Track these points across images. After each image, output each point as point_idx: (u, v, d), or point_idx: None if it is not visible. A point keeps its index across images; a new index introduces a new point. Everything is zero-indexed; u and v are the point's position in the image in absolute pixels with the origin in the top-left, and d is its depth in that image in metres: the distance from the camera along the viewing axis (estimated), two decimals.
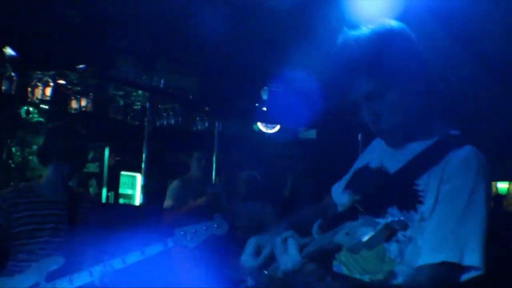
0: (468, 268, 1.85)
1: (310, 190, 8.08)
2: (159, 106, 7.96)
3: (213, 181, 7.51)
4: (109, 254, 4.05)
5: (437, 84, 2.20)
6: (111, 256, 3.98)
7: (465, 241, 1.85)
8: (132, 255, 3.77)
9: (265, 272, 2.15)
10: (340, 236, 1.66)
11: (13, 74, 6.37)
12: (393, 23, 2.06)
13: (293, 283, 1.94)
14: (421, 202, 1.94)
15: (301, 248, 1.80)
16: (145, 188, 7.56)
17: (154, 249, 3.79)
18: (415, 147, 2.07)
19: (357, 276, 2.03)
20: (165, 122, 7.97)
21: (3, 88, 6.40)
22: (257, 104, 8.18)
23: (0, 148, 8.66)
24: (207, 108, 8.04)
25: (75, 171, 4.21)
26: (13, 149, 8.84)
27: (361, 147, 8.02)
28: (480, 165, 1.96)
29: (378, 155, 2.21)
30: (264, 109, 8.20)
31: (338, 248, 1.71)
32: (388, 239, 1.60)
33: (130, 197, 10.47)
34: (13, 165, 8.84)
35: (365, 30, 2.03)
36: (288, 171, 8.72)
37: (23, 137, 9.03)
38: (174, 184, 6.27)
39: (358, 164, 2.34)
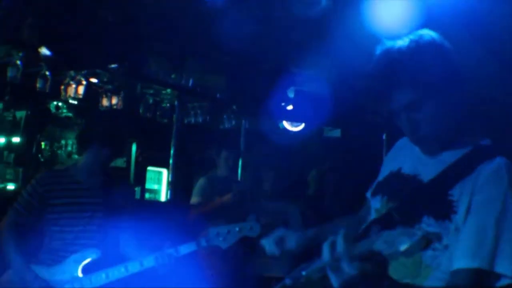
0: (499, 276, 1.92)
1: (335, 188, 8.14)
2: (188, 104, 8.09)
3: (239, 179, 7.57)
4: (141, 249, 4.13)
5: (471, 93, 2.24)
6: (143, 251, 4.06)
7: (496, 249, 1.92)
8: (166, 254, 3.84)
9: (303, 273, 2.19)
10: (379, 244, 1.75)
11: (47, 73, 6.48)
12: (432, 34, 2.14)
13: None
14: (455, 212, 2.02)
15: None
16: (172, 184, 7.71)
17: (187, 248, 3.86)
18: (449, 157, 2.14)
19: (397, 277, 2.12)
20: (192, 120, 8.11)
21: (37, 86, 6.50)
22: (283, 103, 8.24)
23: (30, 143, 8.81)
24: (234, 107, 8.15)
25: (114, 157, 4.26)
26: (43, 143, 8.98)
27: (385, 147, 8.09)
28: (511, 175, 2.03)
29: (411, 162, 2.28)
30: (290, 107, 8.27)
31: (378, 255, 1.78)
32: (424, 249, 1.72)
33: (156, 192, 10.59)
34: (42, 160, 8.97)
35: (406, 41, 2.10)
36: (312, 169, 8.77)
37: (52, 132, 9.17)
38: (201, 181, 6.28)
39: (389, 167, 2.40)
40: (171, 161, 7.79)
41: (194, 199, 6.18)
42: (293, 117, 8.70)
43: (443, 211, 2.04)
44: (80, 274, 3.86)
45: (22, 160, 8.60)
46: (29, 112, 8.64)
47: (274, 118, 8.71)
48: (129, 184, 4.66)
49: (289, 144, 8.93)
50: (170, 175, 7.82)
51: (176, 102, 7.86)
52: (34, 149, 8.84)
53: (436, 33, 2.16)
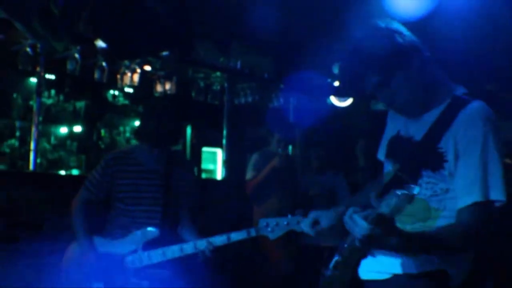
0: (493, 202, 2.26)
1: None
2: (237, 85, 8.25)
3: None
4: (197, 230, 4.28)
5: (433, 56, 2.48)
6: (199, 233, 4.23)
7: (486, 182, 2.25)
8: (219, 239, 3.98)
9: (345, 245, 2.49)
10: (383, 207, 2.02)
11: (104, 64, 6.73)
12: (378, 21, 2.43)
13: (370, 246, 2.34)
14: (446, 161, 2.32)
15: (366, 218, 2.05)
16: (227, 162, 7.98)
17: (238, 236, 3.97)
18: (432, 115, 2.43)
19: (408, 227, 2.38)
20: (242, 100, 8.24)
21: (95, 77, 6.75)
22: (329, 79, 8.39)
23: (90, 132, 9.16)
24: (281, 85, 8.25)
25: (170, 147, 4.36)
26: (102, 131, 9.33)
27: None
28: (485, 115, 2.31)
29: (404, 125, 2.56)
30: (337, 83, 8.40)
31: (386, 215, 2.03)
32: (409, 203, 1.99)
33: (211, 172, 10.81)
34: (103, 146, 9.32)
35: (359, 34, 2.43)
36: (360, 142, 8.86)
37: (110, 120, 9.49)
38: (254, 157, 6.39)
39: (390, 132, 2.69)
40: (224, 141, 8.02)
41: (249, 174, 6.30)
42: (340, 92, 8.80)
43: (437, 163, 2.34)
44: (140, 250, 4.03)
45: (84, 147, 8.94)
46: (88, 102, 8.99)
47: (321, 94, 8.82)
48: (190, 165, 4.78)
49: (337, 119, 9.06)
50: (224, 155, 8.09)
51: (225, 84, 8.09)
52: (94, 137, 9.17)
53: (385, 18, 2.45)
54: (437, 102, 2.43)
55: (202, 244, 4.01)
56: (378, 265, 2.44)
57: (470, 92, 2.46)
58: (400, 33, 2.39)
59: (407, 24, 2.49)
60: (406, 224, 2.40)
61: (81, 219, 4.15)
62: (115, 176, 4.15)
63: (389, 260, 2.39)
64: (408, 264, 2.36)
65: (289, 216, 3.86)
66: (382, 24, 2.41)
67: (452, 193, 2.34)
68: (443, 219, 2.36)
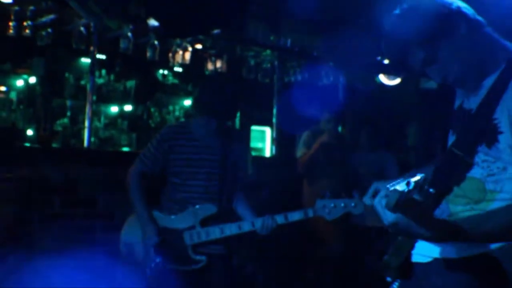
0: None
1: (432, 138, 8.18)
2: (287, 63, 8.26)
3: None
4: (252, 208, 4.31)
5: (482, 21, 2.28)
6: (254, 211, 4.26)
7: None
8: (275, 219, 4.02)
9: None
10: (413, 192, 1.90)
11: (156, 42, 6.78)
12: None
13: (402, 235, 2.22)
14: (500, 132, 2.08)
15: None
16: (277, 141, 8.03)
17: (295, 216, 4.00)
18: (487, 83, 2.19)
19: (460, 207, 2.21)
20: (292, 79, 8.28)
21: (147, 55, 6.82)
22: (379, 58, 8.33)
23: (141, 110, 9.25)
24: (331, 63, 8.23)
25: (224, 123, 4.34)
26: (152, 109, 9.40)
27: None
28: None
29: (466, 95, 2.33)
30: (386, 61, 8.34)
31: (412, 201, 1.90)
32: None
33: (260, 150, 10.83)
34: (153, 125, 9.35)
35: (398, 9, 2.25)
36: (410, 120, 8.82)
37: (160, 99, 9.55)
38: (305, 134, 6.47)
39: (456, 102, 2.45)
40: (274, 119, 8.08)
41: (299, 152, 6.37)
42: (390, 71, 8.75)
43: (491, 136, 2.11)
44: (198, 226, 4.07)
45: (135, 126, 8.98)
46: (138, 81, 9.08)
47: (371, 72, 8.77)
48: (246, 141, 4.75)
49: (386, 97, 9.01)
50: (273, 133, 8.13)
51: (276, 63, 8.09)
52: (145, 116, 9.26)
53: None
54: (493, 68, 2.20)
55: (258, 222, 4.05)
56: (422, 248, 2.30)
57: None
58: (443, 4, 2.22)
59: None
60: (458, 205, 2.23)
61: (138, 192, 4.17)
62: (170, 151, 4.16)
63: (429, 243, 2.24)
64: (448, 249, 2.21)
65: (346, 198, 3.90)
66: None
67: (511, 173, 2.10)
68: (499, 202, 2.11)
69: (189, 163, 4.15)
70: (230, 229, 4.06)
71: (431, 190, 2.06)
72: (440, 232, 2.02)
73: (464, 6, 2.25)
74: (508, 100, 2.08)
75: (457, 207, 2.23)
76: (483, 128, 2.14)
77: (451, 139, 2.39)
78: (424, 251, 2.30)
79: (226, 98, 4.14)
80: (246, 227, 4.08)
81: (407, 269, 2.31)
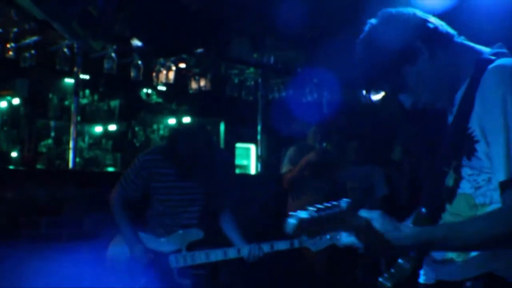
0: None
1: (418, 152, 8.21)
2: (270, 80, 8.27)
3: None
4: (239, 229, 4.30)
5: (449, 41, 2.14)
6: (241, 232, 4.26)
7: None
8: (261, 247, 4.06)
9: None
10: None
11: (139, 62, 6.77)
12: (377, 19, 2.17)
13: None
14: (476, 141, 1.96)
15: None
16: (261, 158, 8.00)
17: (281, 245, 4.04)
18: (459, 95, 2.08)
19: None
20: (276, 95, 8.27)
21: (132, 75, 6.81)
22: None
23: (125, 130, 9.25)
24: (315, 80, 8.25)
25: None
26: (136, 128, 9.41)
27: None
28: (506, 72, 1.93)
29: (449, 111, 2.19)
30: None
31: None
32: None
33: (245, 167, 10.85)
34: (137, 144, 9.36)
35: (362, 36, 2.16)
36: (395, 135, 8.82)
37: (144, 118, 9.57)
38: (290, 150, 6.36)
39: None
40: (259, 136, 8.05)
41: (284, 168, 6.27)
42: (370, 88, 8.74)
43: (469, 147, 1.99)
44: (184, 250, 4.06)
45: (119, 146, 9.02)
46: (122, 101, 9.08)
47: (355, 88, 8.79)
48: (231, 162, 4.67)
49: (372, 111, 9.02)
50: (258, 149, 8.08)
51: (259, 80, 8.11)
52: (129, 135, 9.27)
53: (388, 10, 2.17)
54: (464, 78, 2.07)
55: (245, 250, 4.07)
56: (426, 269, 2.20)
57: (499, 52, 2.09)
58: (396, 28, 2.11)
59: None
60: None
61: (122, 215, 4.15)
62: (150, 179, 4.11)
63: (434, 264, 2.15)
64: (451, 270, 2.08)
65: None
66: (375, 22, 2.16)
67: (495, 182, 1.93)
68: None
69: (171, 191, 4.12)
70: (216, 255, 4.07)
71: (423, 209, 2.03)
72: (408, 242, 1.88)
73: (428, 20, 2.13)
74: (477, 106, 1.95)
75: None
76: (460, 141, 2.03)
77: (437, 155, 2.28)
78: (427, 272, 2.20)
79: (195, 153, 4.00)
80: (231, 254, 4.08)
81: None
